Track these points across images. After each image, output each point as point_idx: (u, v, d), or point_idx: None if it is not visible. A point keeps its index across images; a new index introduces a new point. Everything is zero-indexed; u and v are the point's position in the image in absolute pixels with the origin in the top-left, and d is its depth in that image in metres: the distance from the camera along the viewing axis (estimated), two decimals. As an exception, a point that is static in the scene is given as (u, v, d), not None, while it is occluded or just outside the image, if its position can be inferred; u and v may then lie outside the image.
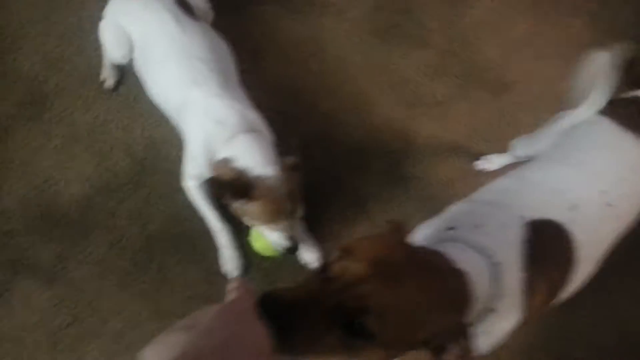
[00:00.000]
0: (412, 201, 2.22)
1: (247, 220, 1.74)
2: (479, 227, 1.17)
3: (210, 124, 1.75)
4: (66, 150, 2.05)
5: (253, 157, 1.68)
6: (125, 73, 2.22)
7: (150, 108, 2.14)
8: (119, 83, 2.20)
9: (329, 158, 2.23)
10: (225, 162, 1.70)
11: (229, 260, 1.92)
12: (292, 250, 1.77)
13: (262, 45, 2.42)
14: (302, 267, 2.00)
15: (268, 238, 1.77)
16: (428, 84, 2.50)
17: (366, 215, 2.15)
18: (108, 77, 2.19)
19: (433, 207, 2.34)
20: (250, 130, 1.77)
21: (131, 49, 2.00)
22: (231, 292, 0.63)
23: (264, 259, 1.93)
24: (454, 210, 1.34)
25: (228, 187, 1.62)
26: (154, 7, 1.91)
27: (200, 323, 0.52)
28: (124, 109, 2.17)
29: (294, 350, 0.76)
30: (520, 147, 1.93)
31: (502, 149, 2.41)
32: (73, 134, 2.08)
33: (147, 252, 1.94)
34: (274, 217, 1.68)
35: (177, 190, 2.04)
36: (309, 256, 1.98)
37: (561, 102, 2.70)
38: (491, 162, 2.33)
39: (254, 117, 1.85)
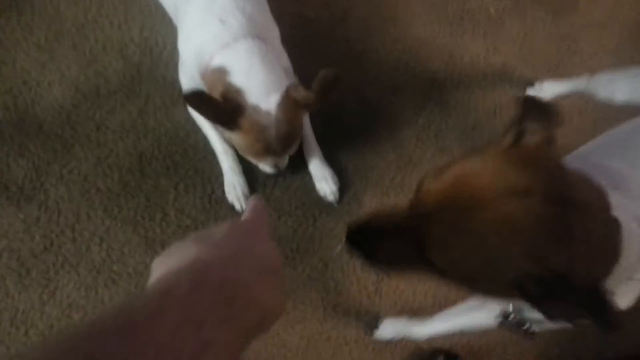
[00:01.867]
0: (452, 130, 1.76)
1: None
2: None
3: (210, 22, 1.26)
4: (49, 47, 1.58)
5: (252, 78, 1.21)
6: (123, -39, 1.76)
7: (152, 4, 1.69)
8: (115, -28, 1.74)
9: (359, 76, 1.76)
10: (220, 72, 1.22)
11: (232, 186, 1.48)
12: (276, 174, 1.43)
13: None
14: (310, 199, 1.58)
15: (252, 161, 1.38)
16: (480, -4, 1.99)
17: (399, 144, 1.70)
18: (102, -35, 1.73)
19: (476, 138, 1.92)
20: (258, 38, 1.29)
21: None
22: (247, 210, 0.58)
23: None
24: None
25: (211, 107, 1.17)
26: None
27: (212, 236, 0.48)
28: (120, 3, 1.69)
29: (380, 268, 0.80)
30: (616, 89, 1.43)
31: (558, 76, 1.93)
32: (58, 29, 1.60)
33: (139, 172, 1.50)
34: (257, 154, 1.28)
35: (177, 102, 1.59)
36: (325, 188, 1.54)
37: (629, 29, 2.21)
38: (545, 91, 1.86)
39: (270, 27, 1.38)
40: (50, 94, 1.54)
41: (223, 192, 1.50)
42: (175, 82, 1.57)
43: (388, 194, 1.61)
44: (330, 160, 1.59)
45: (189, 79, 1.45)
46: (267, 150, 1.25)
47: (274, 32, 1.41)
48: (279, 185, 1.56)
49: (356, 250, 0.77)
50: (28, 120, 1.50)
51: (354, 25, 1.81)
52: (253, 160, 1.36)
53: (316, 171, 1.57)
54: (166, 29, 1.66)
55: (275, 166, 1.38)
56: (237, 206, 1.48)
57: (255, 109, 1.19)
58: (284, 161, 1.42)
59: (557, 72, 1.91)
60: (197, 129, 1.55)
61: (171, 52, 1.63)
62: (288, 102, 1.22)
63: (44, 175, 1.46)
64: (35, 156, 1.47)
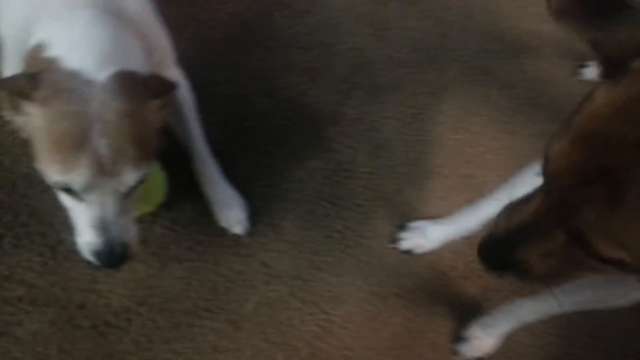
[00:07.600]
0: (390, 121, 1.36)
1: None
2: None
3: None
4: None
5: (82, 45, 0.78)
6: None
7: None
8: None
9: (263, 61, 1.31)
10: (39, 48, 0.77)
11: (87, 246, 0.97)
12: (101, 258, 0.85)
13: None
14: (208, 235, 1.10)
15: (73, 216, 0.85)
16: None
17: (324, 146, 1.26)
18: None
19: (424, 128, 1.53)
20: (113, 13, 0.85)
21: None
22: None
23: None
24: None
25: (9, 82, 0.73)
26: None
27: None
28: None
29: (541, 282, 0.60)
30: None
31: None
32: None
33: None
34: (58, 149, 0.73)
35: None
36: (229, 217, 1.10)
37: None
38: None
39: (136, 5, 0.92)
40: None
41: (74, 241, 1.00)
42: None
43: (314, 213, 1.17)
44: (234, 178, 1.13)
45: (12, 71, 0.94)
46: (78, 142, 0.72)
47: (142, 11, 0.94)
48: (161, 219, 1.08)
49: (503, 273, 0.61)
50: None
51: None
52: (56, 177, 0.75)
53: (215, 195, 1.11)
54: None
55: (102, 226, 0.81)
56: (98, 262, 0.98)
57: (72, 73, 0.74)
58: (125, 212, 0.82)
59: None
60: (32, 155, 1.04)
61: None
62: (132, 79, 0.78)
63: None
64: None
